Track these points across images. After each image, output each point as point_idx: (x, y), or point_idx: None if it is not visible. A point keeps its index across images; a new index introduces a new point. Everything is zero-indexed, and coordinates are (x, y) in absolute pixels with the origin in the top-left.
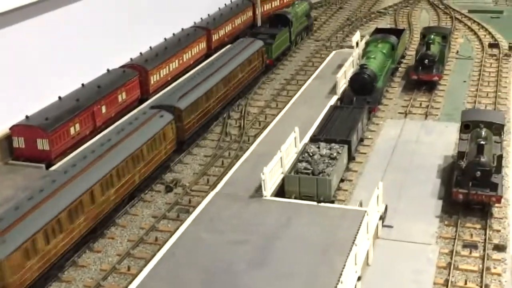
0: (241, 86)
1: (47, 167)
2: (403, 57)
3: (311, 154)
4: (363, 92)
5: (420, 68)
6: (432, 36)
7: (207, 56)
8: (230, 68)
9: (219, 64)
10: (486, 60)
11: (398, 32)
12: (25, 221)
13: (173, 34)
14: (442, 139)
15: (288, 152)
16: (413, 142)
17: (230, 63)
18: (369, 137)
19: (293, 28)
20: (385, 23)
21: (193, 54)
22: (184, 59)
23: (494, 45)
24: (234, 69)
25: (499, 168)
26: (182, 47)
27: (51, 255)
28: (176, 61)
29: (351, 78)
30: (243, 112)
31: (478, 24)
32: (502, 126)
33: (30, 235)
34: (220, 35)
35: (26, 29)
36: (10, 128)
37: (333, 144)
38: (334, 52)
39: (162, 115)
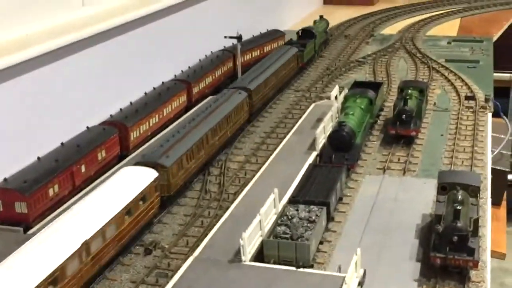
0: (285, 79)
1: (25, 231)
2: (381, 109)
3: (290, 217)
4: (341, 149)
5: (398, 123)
6: (410, 91)
7: (187, 109)
8: (278, 65)
9: (270, 62)
10: (462, 112)
11: (376, 86)
12: (176, 146)
13: (154, 88)
14: (420, 197)
15: (267, 214)
16: (392, 200)
17: (277, 62)
18: (348, 194)
19: (317, 40)
20: (364, 72)
21: (173, 108)
22: (165, 113)
23: (470, 97)
24: (280, 66)
25: (475, 232)
26: (162, 102)
27: (187, 171)
28: (157, 116)
29: (329, 136)
30: (223, 168)
31: (455, 74)
32: (478, 189)
33: (180, 155)
34: (200, 88)
35: (2, 90)
36: None
37: (312, 206)
38: (313, 104)
39: (240, 92)
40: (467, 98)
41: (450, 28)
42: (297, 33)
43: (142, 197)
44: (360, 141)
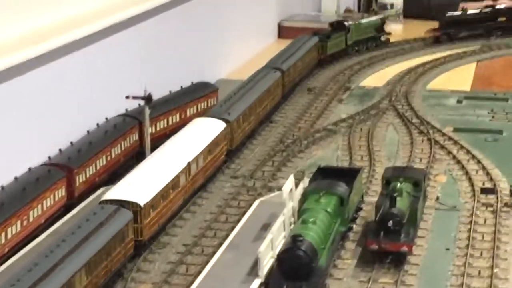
0: (307, 68)
1: None
2: (359, 209)
3: None
4: (297, 277)
5: (382, 233)
6: (399, 185)
7: (67, 208)
8: (303, 52)
9: (293, 50)
10: (478, 213)
11: (351, 174)
12: (233, 107)
13: (15, 178)
14: None
15: None
16: None
17: (299, 51)
18: None
19: (350, 35)
20: (335, 147)
21: (44, 209)
22: (30, 219)
23: (489, 190)
24: (304, 54)
25: None
26: (26, 201)
27: (243, 131)
28: (18, 223)
29: (279, 256)
30: None
31: (468, 151)
32: None
33: (239, 114)
34: (88, 175)
35: None
36: None
37: None
38: (258, 200)
39: (275, 71)
40: (484, 191)
41: (461, 78)
42: (331, 24)
43: (217, 141)
44: (325, 262)
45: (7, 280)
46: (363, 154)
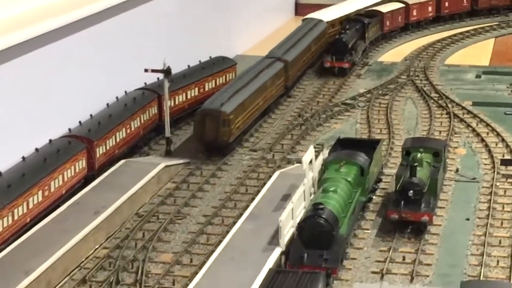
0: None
1: None
2: (378, 180)
3: None
4: (318, 245)
5: (403, 203)
6: (419, 155)
7: (87, 180)
8: (309, 40)
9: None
10: (498, 184)
11: (371, 145)
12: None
13: (36, 149)
14: None
15: None
16: None
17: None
18: None
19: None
20: (353, 121)
21: (65, 179)
22: (52, 188)
23: (509, 161)
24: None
25: None
26: (48, 171)
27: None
28: (40, 193)
29: (300, 225)
30: (139, 272)
31: (487, 124)
32: None
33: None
34: (108, 147)
35: None
36: None
37: None
38: (277, 172)
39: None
40: (504, 162)
41: (479, 53)
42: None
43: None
44: (346, 231)
45: None
46: (382, 127)
